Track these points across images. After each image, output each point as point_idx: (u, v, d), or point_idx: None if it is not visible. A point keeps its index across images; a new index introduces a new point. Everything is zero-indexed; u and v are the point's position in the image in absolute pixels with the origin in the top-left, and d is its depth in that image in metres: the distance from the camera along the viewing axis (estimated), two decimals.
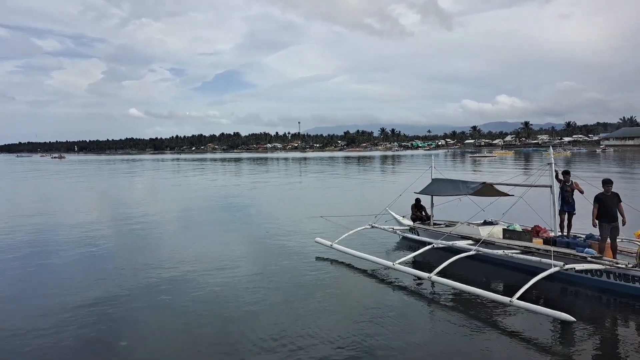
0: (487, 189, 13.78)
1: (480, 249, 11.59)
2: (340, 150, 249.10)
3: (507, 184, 14.16)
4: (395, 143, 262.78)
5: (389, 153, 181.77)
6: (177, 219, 22.53)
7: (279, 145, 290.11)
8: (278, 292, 10.39)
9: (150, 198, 32.53)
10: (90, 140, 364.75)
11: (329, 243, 13.71)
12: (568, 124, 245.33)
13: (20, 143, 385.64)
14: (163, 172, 68.61)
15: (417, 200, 15.82)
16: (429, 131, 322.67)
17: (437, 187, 14.97)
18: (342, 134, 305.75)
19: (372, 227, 15.17)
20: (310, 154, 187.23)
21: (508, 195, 14.12)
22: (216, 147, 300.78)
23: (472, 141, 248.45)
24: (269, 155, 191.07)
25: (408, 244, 14.97)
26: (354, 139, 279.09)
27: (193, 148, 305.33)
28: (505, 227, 12.75)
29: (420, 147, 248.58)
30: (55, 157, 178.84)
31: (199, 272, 12.07)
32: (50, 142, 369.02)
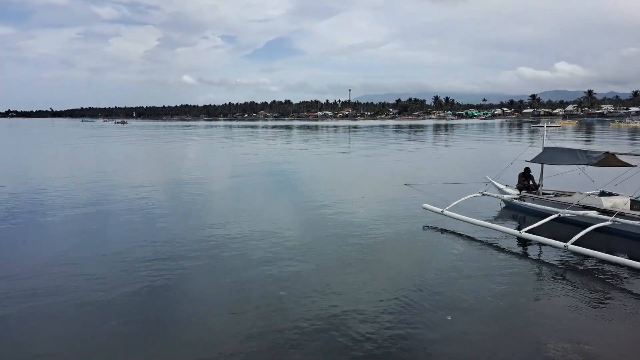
0: (610, 159, 13.11)
1: (618, 219, 11.11)
2: (392, 118, 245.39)
3: (633, 154, 13.48)
4: (449, 111, 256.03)
5: (443, 122, 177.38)
6: (267, 188, 22.89)
7: (330, 113, 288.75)
8: (404, 259, 10.38)
9: (232, 165, 33.12)
10: (147, 107, 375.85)
11: (439, 210, 13.55)
12: (635, 93, 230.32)
13: (82, 108, 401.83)
14: (231, 139, 69.75)
15: (527, 169, 15.33)
16: (484, 99, 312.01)
17: (551, 155, 14.37)
18: (394, 102, 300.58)
19: (483, 194, 14.87)
20: (361, 122, 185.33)
21: (631, 165, 13.42)
22: (267, 114, 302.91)
23: (530, 110, 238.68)
24: (319, 123, 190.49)
25: (513, 213, 14.64)
26: (406, 107, 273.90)
27: (245, 115, 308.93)
28: (634, 199, 12.18)
29: (475, 115, 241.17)
30: (118, 122, 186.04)
31: (307, 243, 11.84)
32: (109, 107, 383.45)
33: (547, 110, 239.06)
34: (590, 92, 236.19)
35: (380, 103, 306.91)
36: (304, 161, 34.11)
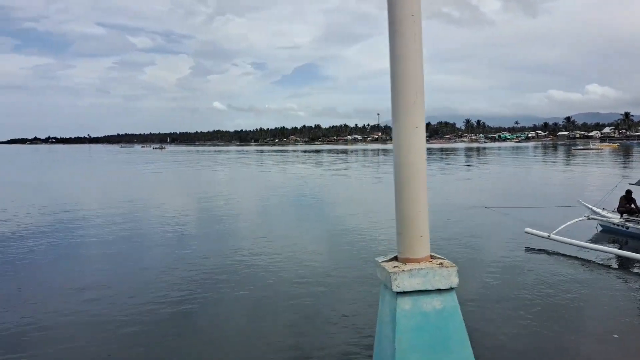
0: None
1: None
2: None
3: None
4: (481, 135, 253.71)
5: (474, 145, 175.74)
6: (320, 209, 23.01)
7: (359, 137, 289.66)
8: (516, 288, 10.22)
9: (271, 188, 33.42)
10: (180, 132, 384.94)
11: (545, 234, 13.37)
12: None
13: (118, 134, 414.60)
14: (267, 164, 70.62)
15: (628, 192, 15.05)
16: (516, 122, 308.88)
17: None
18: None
19: (589, 218, 14.65)
20: (390, 146, 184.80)
21: None
22: (298, 139, 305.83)
23: (565, 133, 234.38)
24: (349, 147, 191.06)
25: (614, 237, 14.32)
26: (437, 131, 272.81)
27: (276, 140, 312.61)
28: None
29: (508, 139, 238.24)
30: (156, 148, 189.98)
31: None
32: (144, 133, 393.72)
33: (582, 132, 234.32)
34: (627, 115, 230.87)
35: None
36: (355, 184, 34.17)
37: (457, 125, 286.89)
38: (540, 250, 12.84)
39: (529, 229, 14.01)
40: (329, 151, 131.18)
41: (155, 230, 17.00)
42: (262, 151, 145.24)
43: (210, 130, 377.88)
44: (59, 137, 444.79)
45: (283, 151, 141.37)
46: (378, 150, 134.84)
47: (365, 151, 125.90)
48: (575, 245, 12.56)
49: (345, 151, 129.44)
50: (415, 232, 2.91)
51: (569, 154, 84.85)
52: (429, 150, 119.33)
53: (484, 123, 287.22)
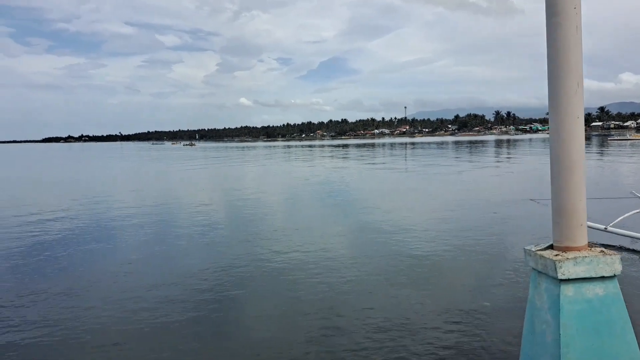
0: None
1: None
2: (451, 134, 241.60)
3: None
4: (512, 127, 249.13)
5: (505, 137, 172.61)
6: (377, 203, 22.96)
7: (387, 131, 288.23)
8: None
9: (303, 184, 33.41)
10: (208, 129, 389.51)
11: (601, 226, 13.11)
12: None
13: (148, 132, 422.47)
14: (298, 159, 70.81)
15: None
16: (547, 113, 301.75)
17: None
18: (452, 117, 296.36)
19: None
20: (419, 139, 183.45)
21: None
22: (324, 133, 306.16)
23: (599, 124, 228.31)
24: (377, 140, 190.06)
25: None
26: (466, 123, 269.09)
27: (303, 135, 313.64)
28: None
29: (540, 130, 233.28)
30: (186, 145, 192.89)
31: (468, 270, 12.00)
32: (173, 130, 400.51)
33: (617, 123, 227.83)
34: None
35: (438, 119, 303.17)
36: (394, 178, 33.93)
37: (487, 118, 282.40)
38: (600, 244, 12.56)
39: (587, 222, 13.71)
40: (357, 145, 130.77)
41: (200, 226, 17.26)
42: (289, 146, 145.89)
43: (238, 126, 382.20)
44: (91, 135, 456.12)
45: (310, 146, 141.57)
46: (405, 143, 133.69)
47: (393, 145, 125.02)
48: (636, 237, 12.28)
49: (372, 145, 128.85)
50: (575, 221, 3.01)
51: (604, 144, 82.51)
52: (461, 143, 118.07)
53: (514, 115, 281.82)
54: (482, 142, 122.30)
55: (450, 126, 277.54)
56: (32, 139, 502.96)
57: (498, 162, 47.32)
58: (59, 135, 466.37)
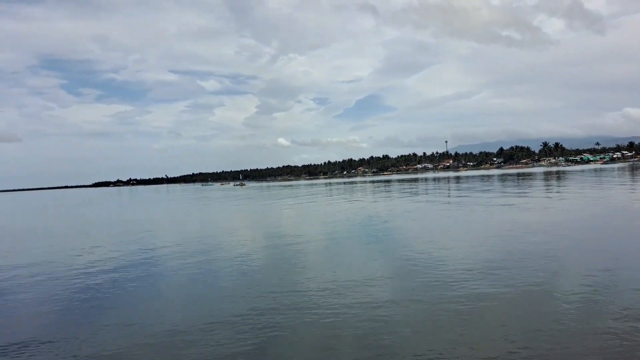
0: None
1: None
2: (497, 167, 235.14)
3: None
4: (561, 158, 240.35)
5: (554, 169, 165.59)
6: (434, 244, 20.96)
7: (429, 166, 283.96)
8: None
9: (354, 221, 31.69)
10: (250, 169, 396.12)
11: None
12: None
13: (193, 174, 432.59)
14: (341, 197, 69.39)
15: None
16: (597, 143, 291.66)
17: None
18: (495, 150, 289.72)
19: None
20: (465, 173, 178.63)
21: None
22: (366, 170, 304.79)
23: None
24: (420, 175, 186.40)
25: None
26: (512, 155, 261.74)
27: (344, 172, 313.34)
28: None
29: (591, 160, 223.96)
30: (237, 185, 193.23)
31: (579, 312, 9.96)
32: (217, 172, 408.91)
33: None
34: None
35: (481, 152, 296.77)
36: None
37: (531, 149, 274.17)
38: None
39: None
40: (400, 180, 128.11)
41: (270, 258, 15.85)
42: (330, 183, 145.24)
43: (279, 165, 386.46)
44: (138, 178, 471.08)
45: (352, 182, 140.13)
46: (448, 177, 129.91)
47: (437, 179, 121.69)
48: None
49: (416, 180, 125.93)
50: None
51: None
52: (510, 175, 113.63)
53: (561, 145, 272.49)
54: (530, 174, 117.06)
55: (495, 159, 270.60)
56: (83, 184, 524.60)
57: (562, 193, 44.05)
58: (108, 180, 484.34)
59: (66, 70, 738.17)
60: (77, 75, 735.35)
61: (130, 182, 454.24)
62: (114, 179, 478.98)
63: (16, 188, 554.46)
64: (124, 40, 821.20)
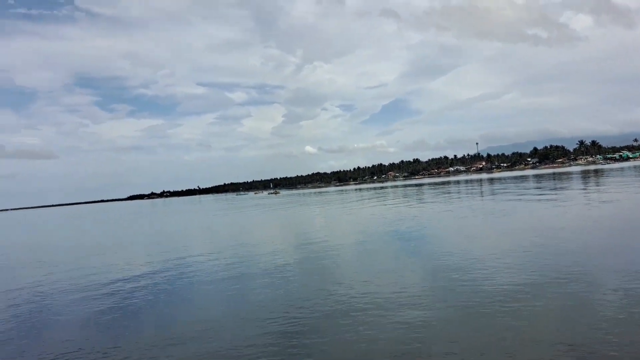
0: None
1: None
2: (532, 168, 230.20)
3: None
4: (599, 156, 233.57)
5: (593, 167, 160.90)
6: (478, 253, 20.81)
7: (462, 168, 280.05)
8: None
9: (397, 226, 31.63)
10: (280, 177, 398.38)
11: None
12: None
13: (224, 184, 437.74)
14: (376, 202, 69.18)
15: None
16: (635, 140, 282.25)
17: None
18: (526, 151, 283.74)
19: None
20: (499, 174, 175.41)
21: None
22: (397, 174, 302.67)
23: None
24: (453, 178, 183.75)
25: None
26: (546, 155, 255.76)
27: (375, 177, 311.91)
28: None
29: (630, 158, 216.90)
30: (271, 193, 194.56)
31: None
32: (248, 181, 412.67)
33: None
34: None
35: (514, 153, 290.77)
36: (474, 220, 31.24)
37: (566, 148, 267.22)
38: None
39: None
40: (433, 184, 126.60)
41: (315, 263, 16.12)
42: (360, 189, 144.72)
43: (308, 173, 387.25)
44: (171, 190, 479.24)
45: (383, 187, 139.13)
46: (480, 180, 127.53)
47: (469, 181, 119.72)
48: None
49: (448, 183, 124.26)
50: None
51: None
52: (542, 176, 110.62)
53: (598, 143, 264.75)
54: (568, 173, 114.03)
55: (529, 159, 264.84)
56: (118, 198, 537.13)
57: (621, 191, 42.93)
58: (142, 193, 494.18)
59: (99, 88, 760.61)
60: (109, 92, 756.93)
61: (163, 194, 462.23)
62: (147, 192, 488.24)
63: (54, 203, 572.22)
64: (153, 56, 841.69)
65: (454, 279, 12.98)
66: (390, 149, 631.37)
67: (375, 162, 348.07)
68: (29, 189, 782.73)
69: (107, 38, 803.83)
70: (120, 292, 15.48)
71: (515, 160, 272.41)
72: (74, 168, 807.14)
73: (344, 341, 8.85)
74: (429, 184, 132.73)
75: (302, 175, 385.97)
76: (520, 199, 40.79)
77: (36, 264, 25.24)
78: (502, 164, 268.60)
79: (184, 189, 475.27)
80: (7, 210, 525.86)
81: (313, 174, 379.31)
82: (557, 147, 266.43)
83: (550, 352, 7.61)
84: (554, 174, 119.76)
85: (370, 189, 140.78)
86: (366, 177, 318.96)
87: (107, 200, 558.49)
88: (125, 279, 17.60)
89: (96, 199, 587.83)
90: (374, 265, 16.01)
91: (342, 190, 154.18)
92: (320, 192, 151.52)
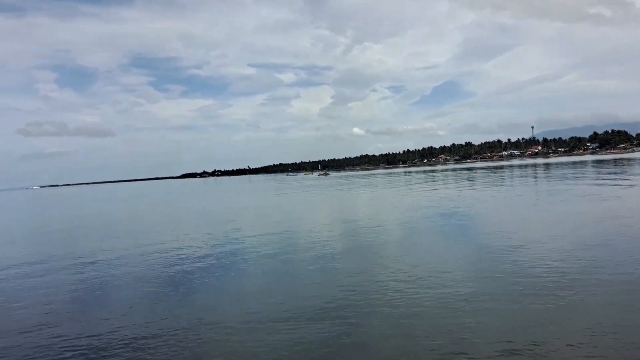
0: None
1: None
2: (592, 153, 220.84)
3: None
4: None
5: None
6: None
7: (516, 152, 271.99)
8: None
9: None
10: (328, 159, 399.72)
11: None
12: None
13: (273, 165, 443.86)
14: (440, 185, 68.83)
15: None
16: None
17: None
18: (584, 135, 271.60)
19: None
20: (556, 159, 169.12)
21: None
22: (448, 158, 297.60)
23: None
24: (506, 162, 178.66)
25: None
26: (608, 140, 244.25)
27: (425, 160, 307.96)
28: None
29: None
30: (321, 175, 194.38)
31: None
32: (296, 162, 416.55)
33: None
34: None
35: (572, 138, 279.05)
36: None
37: (629, 133, 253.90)
38: None
39: None
40: (488, 168, 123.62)
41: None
42: (410, 172, 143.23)
43: (355, 155, 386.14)
44: (222, 169, 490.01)
45: (433, 171, 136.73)
46: (535, 165, 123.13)
47: (525, 166, 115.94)
48: None
49: (501, 167, 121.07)
50: None
51: None
52: (599, 162, 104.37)
53: None
54: (632, 159, 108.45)
55: (589, 144, 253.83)
56: (171, 176, 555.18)
57: None
58: (194, 171, 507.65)
59: (154, 68, 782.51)
60: (163, 72, 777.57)
61: (215, 173, 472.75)
62: (199, 170, 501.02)
63: (113, 179, 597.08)
64: (206, 37, 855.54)
65: (501, 267, 13.06)
66: (440, 131, 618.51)
67: (424, 145, 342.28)
68: (90, 165, 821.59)
69: (162, 20, 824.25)
70: (182, 265, 16.77)
71: (573, 145, 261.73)
72: (131, 146, 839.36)
73: (386, 330, 9.07)
74: (483, 168, 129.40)
75: (350, 157, 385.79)
76: (604, 184, 39.82)
77: (123, 235, 27.66)
78: (559, 149, 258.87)
79: (234, 169, 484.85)
80: (68, 185, 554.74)
81: (361, 156, 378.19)
82: (619, 131, 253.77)
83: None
84: (620, 159, 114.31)
85: (420, 172, 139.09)
86: (416, 160, 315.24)
87: (162, 178, 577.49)
88: (186, 257, 18.47)
89: (151, 177, 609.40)
90: (446, 258, 15.33)
91: (391, 173, 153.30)
92: (369, 175, 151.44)
